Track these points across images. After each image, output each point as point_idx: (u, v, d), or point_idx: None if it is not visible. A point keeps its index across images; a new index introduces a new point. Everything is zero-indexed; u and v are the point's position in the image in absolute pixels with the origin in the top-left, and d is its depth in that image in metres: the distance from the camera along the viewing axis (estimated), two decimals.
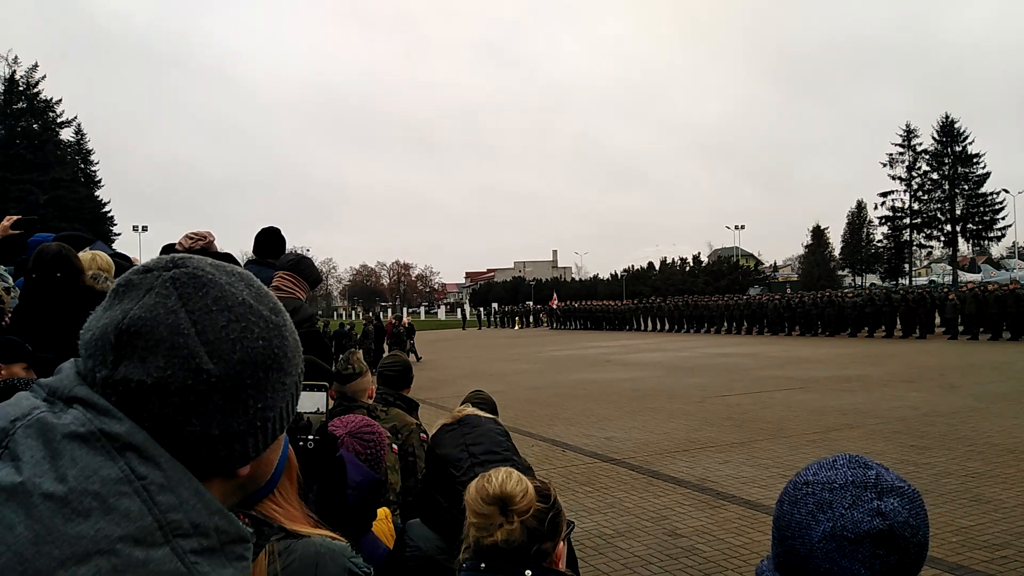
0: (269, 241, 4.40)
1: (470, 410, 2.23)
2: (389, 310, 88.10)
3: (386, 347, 25.55)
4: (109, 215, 52.67)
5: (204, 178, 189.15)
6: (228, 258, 3.63)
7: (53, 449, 0.61)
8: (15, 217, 4.69)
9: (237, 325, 0.68)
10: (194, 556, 0.63)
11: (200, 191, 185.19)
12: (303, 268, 3.75)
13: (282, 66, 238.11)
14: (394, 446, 3.25)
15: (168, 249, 4.60)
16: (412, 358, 26.02)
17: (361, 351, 4.22)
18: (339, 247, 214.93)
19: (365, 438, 2.40)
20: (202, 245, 3.72)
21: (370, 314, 40.55)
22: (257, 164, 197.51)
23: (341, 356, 3.49)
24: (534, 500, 1.62)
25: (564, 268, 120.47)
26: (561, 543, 1.68)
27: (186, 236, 3.81)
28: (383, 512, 2.40)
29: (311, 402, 1.85)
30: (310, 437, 1.78)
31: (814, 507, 1.09)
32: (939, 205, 58.12)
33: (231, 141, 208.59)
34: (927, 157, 58.38)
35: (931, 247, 62.46)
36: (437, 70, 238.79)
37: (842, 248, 68.49)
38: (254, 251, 4.52)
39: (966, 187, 56.80)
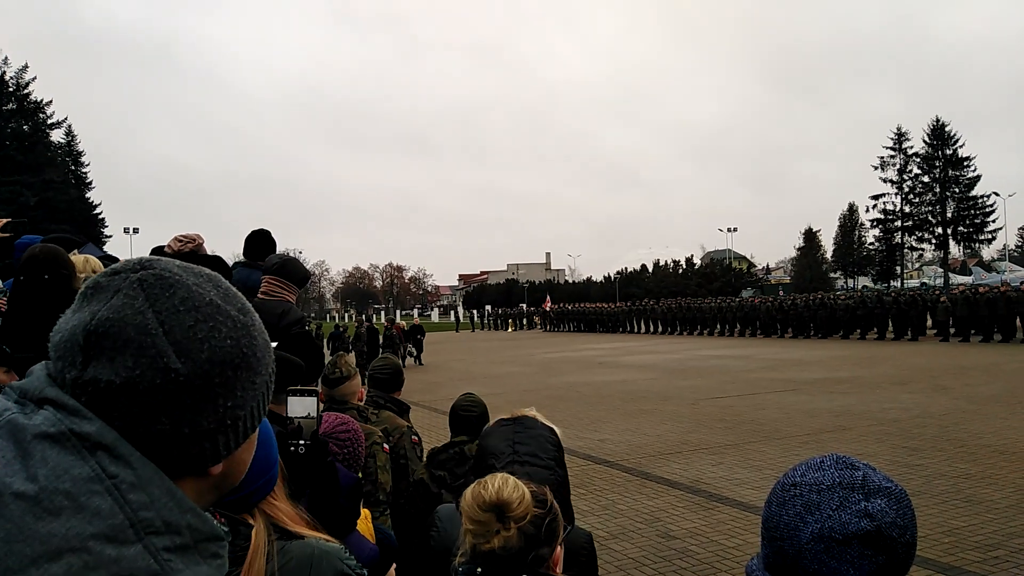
0: (259, 243, 4.38)
1: (532, 412, 2.23)
2: (382, 312, 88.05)
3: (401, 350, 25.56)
4: (100, 217, 52.41)
5: (195, 180, 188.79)
6: (217, 260, 3.60)
7: (24, 449, 0.62)
8: (3, 220, 4.66)
9: (205, 325, 0.69)
10: (167, 554, 0.64)
11: (191, 193, 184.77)
12: (289, 270, 3.73)
13: (273, 67, 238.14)
14: (385, 446, 3.23)
15: (158, 252, 4.58)
16: (410, 361, 25.70)
17: (352, 354, 4.20)
18: (331, 249, 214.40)
19: (340, 437, 2.38)
20: (191, 248, 3.69)
21: (362, 316, 40.43)
22: (248, 166, 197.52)
23: (329, 359, 3.47)
24: (531, 506, 1.61)
25: (557, 270, 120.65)
26: (559, 548, 1.67)
27: (175, 239, 3.78)
28: (364, 513, 2.39)
29: (302, 407, 1.84)
30: (301, 442, 1.77)
31: (802, 509, 1.09)
32: (930, 208, 58.40)
33: (222, 143, 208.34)
34: (918, 160, 58.64)
35: (922, 250, 62.94)
36: (429, 71, 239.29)
37: (834, 251, 68.74)
38: (244, 253, 4.50)
39: (957, 190, 57.08)
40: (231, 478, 0.77)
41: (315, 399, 1.86)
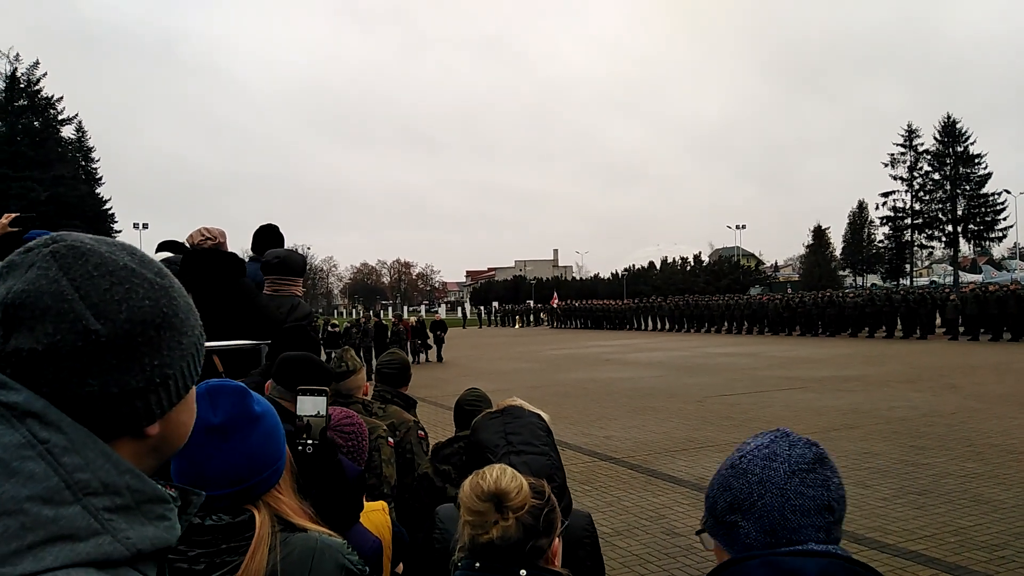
0: (268, 238, 4.40)
1: (516, 401, 2.25)
2: (389, 308, 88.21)
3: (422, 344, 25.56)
4: (110, 212, 52.70)
5: (201, 176, 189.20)
6: (234, 258, 3.62)
7: None
8: (13, 215, 4.69)
9: (120, 287, 0.70)
10: (107, 513, 0.65)
11: (197, 189, 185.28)
12: (289, 264, 3.76)
13: (278, 64, 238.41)
14: (390, 440, 3.25)
15: (165, 246, 4.60)
16: (423, 357, 25.44)
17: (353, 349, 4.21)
18: (340, 245, 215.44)
19: (346, 430, 2.40)
20: (211, 244, 3.71)
21: (369, 312, 40.49)
22: (257, 163, 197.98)
23: (334, 353, 3.49)
24: (529, 496, 1.62)
25: (565, 267, 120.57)
26: (557, 540, 1.68)
27: (199, 231, 3.79)
28: (380, 504, 2.40)
29: (312, 405, 1.86)
30: (309, 441, 1.78)
31: (764, 461, 1.19)
32: (940, 205, 58.07)
33: (228, 139, 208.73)
34: (928, 157, 58.33)
35: (932, 247, 62.41)
36: (435, 67, 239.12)
37: (843, 248, 68.40)
38: (252, 248, 4.52)
39: (967, 188, 56.75)
40: (171, 440, 0.78)
41: (325, 398, 1.88)
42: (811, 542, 1.13)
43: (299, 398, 1.88)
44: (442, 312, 61.60)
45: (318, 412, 1.85)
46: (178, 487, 0.80)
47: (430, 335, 26.11)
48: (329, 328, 22.96)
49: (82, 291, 0.68)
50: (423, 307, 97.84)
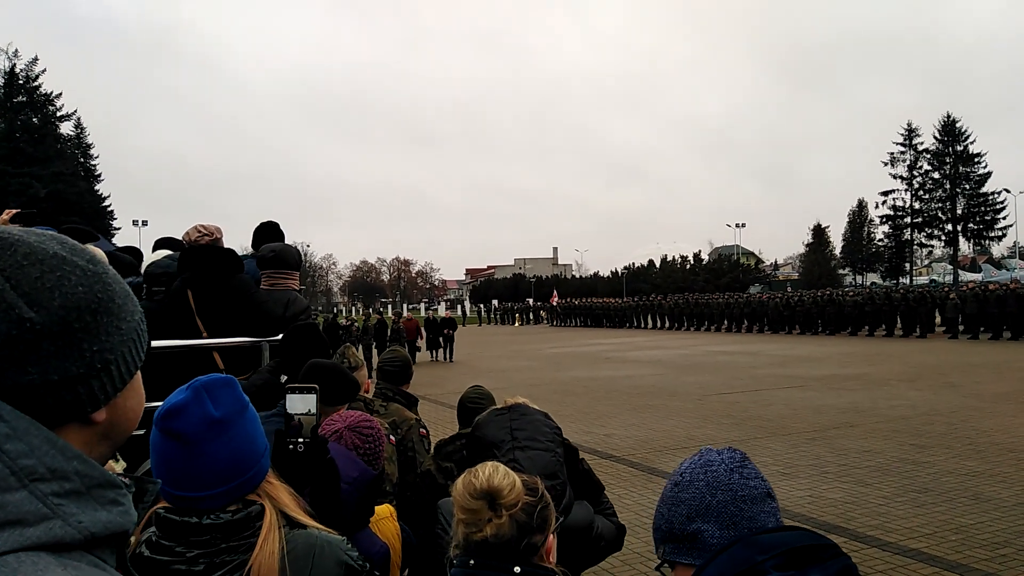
0: (268, 235, 4.39)
1: (522, 399, 2.24)
2: (389, 306, 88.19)
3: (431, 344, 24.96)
4: (109, 209, 52.60)
5: (202, 173, 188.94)
6: (231, 254, 3.61)
7: None
8: (14, 211, 4.68)
9: (52, 275, 0.70)
10: (56, 499, 0.65)
11: (198, 186, 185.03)
12: (284, 257, 3.75)
13: (275, 59, 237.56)
14: (391, 437, 3.24)
15: (162, 243, 4.59)
16: (426, 355, 24.77)
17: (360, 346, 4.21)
18: (338, 242, 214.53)
19: (364, 432, 2.39)
20: (208, 240, 3.70)
21: (370, 309, 40.50)
22: (255, 160, 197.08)
23: (337, 351, 3.48)
24: (522, 494, 1.62)
25: (564, 265, 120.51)
26: (551, 536, 1.68)
27: (195, 227, 3.79)
28: (388, 510, 2.38)
29: (303, 404, 1.85)
30: (300, 440, 1.78)
31: (704, 484, 1.25)
32: (940, 204, 58.03)
33: (229, 137, 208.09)
34: (928, 156, 58.29)
35: (932, 246, 62.41)
36: (435, 62, 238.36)
37: (843, 247, 68.37)
38: (253, 245, 4.51)
39: (967, 187, 56.71)
40: (120, 426, 0.79)
41: (315, 396, 1.86)
42: (771, 525, 1.21)
43: (288, 396, 1.87)
44: (442, 310, 61.76)
45: (308, 410, 1.85)
46: (132, 476, 0.80)
47: (425, 333, 25.19)
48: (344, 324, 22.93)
49: (12, 281, 0.68)
50: (422, 305, 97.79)
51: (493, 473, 1.63)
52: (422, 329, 25.29)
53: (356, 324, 24.78)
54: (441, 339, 25.06)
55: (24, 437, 0.66)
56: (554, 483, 1.96)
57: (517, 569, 1.57)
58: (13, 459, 0.64)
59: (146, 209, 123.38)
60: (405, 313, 33.46)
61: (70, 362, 0.70)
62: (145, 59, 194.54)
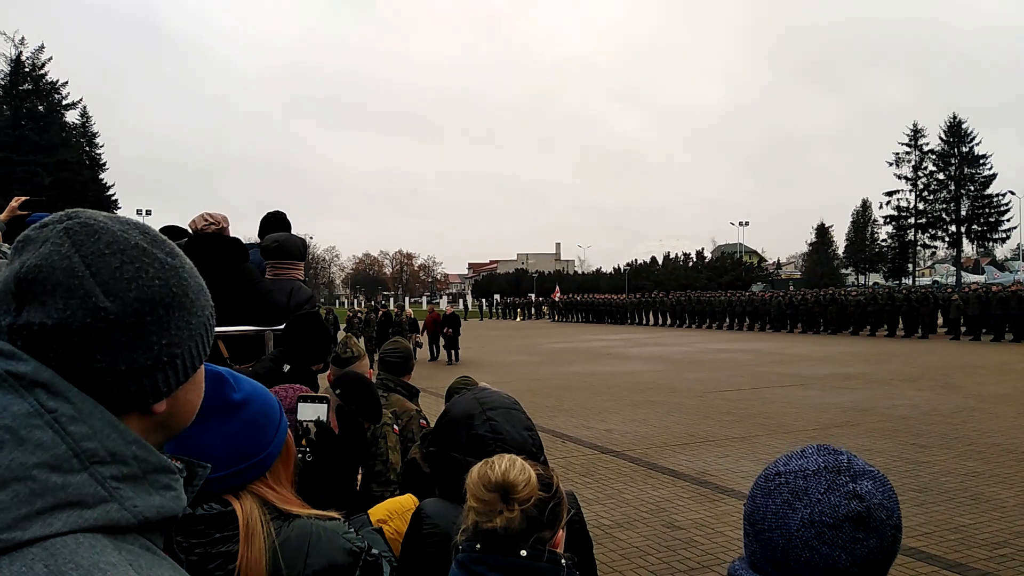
0: (275, 225, 4.38)
1: (483, 383, 2.26)
2: (391, 299, 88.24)
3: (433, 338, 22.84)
4: (113, 198, 52.65)
5: (205, 162, 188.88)
6: (237, 243, 3.61)
7: None
8: (24, 198, 4.68)
9: (131, 266, 0.71)
10: (115, 482, 0.66)
11: (202, 176, 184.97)
12: (287, 247, 3.76)
13: (272, 47, 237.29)
14: (395, 426, 3.25)
15: (167, 231, 4.59)
16: (424, 353, 22.75)
17: (363, 337, 4.23)
18: (341, 235, 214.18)
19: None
20: (214, 229, 3.71)
21: (371, 303, 40.54)
22: (260, 150, 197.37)
23: (339, 340, 3.50)
24: (536, 489, 1.62)
25: (567, 261, 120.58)
26: (561, 531, 1.68)
27: (201, 216, 3.80)
28: (411, 501, 2.36)
29: (313, 412, 1.90)
30: (308, 450, 1.80)
31: (789, 496, 1.08)
32: (944, 206, 57.91)
33: (233, 128, 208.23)
34: (933, 157, 58.17)
35: (935, 247, 62.33)
36: (432, 50, 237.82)
37: (846, 247, 68.28)
38: (259, 235, 4.51)
39: (972, 188, 56.56)
40: (178, 418, 0.79)
41: (326, 405, 1.90)
42: None
43: (299, 405, 1.92)
44: (443, 304, 61.61)
45: (318, 418, 1.89)
46: (183, 459, 0.81)
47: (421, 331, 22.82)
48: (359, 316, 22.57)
49: (93, 268, 0.69)
50: (424, 298, 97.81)
51: (510, 467, 1.63)
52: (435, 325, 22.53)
53: (360, 315, 24.59)
54: (443, 338, 22.29)
55: (88, 419, 0.67)
56: (530, 433, 1.98)
57: (523, 552, 1.58)
58: (76, 441, 0.65)
59: (150, 199, 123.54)
60: (406, 308, 33.37)
61: (139, 354, 0.71)
62: (141, 49, 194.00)
